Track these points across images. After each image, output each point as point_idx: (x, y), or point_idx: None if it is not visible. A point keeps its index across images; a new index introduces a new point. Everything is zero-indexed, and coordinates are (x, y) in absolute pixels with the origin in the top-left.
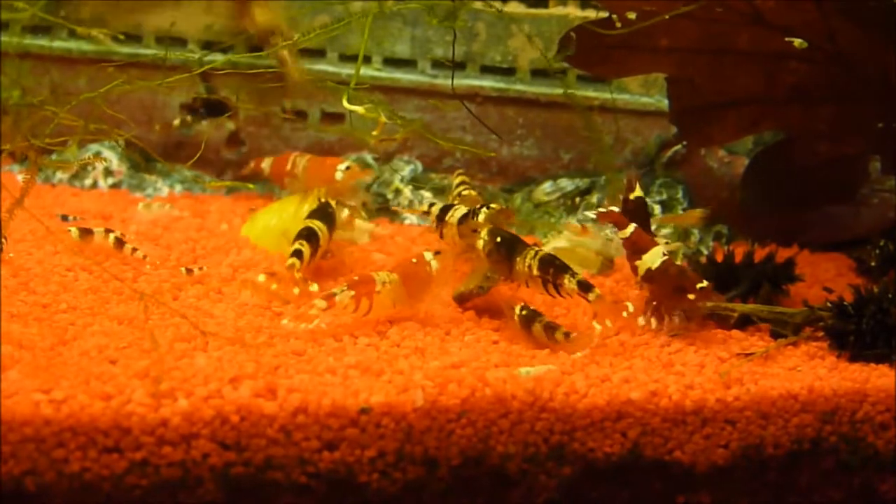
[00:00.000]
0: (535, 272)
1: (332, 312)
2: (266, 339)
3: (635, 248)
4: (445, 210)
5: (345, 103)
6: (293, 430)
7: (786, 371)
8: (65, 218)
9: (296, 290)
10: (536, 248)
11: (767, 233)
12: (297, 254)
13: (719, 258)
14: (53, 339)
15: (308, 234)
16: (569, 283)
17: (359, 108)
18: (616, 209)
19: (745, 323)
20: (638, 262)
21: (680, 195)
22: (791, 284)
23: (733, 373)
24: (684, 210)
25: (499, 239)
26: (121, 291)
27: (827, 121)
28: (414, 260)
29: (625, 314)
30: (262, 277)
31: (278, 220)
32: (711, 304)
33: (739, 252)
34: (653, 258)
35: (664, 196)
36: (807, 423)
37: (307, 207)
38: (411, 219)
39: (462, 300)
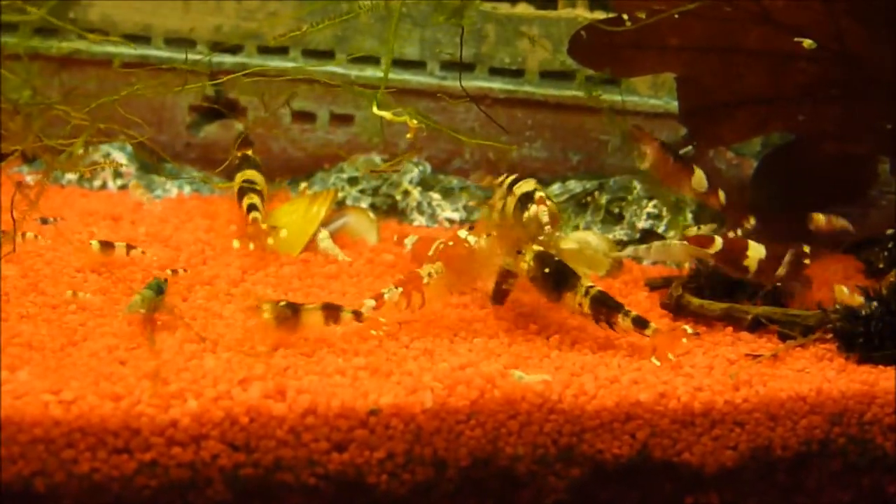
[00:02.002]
0: (587, 310)
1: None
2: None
3: (732, 257)
4: (514, 183)
5: (375, 109)
6: (302, 431)
7: (794, 373)
8: (45, 221)
9: (270, 241)
10: (587, 285)
11: (776, 234)
12: (252, 207)
13: None
14: (63, 339)
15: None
16: (623, 321)
17: (387, 114)
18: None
19: (753, 325)
20: (746, 262)
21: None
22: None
23: (742, 374)
24: (692, 212)
25: (546, 270)
26: (130, 292)
27: (835, 121)
28: (450, 243)
29: (684, 340)
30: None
31: (288, 221)
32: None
33: None
34: (758, 249)
35: (672, 198)
36: (815, 425)
37: (316, 208)
38: (420, 220)
39: (499, 298)
